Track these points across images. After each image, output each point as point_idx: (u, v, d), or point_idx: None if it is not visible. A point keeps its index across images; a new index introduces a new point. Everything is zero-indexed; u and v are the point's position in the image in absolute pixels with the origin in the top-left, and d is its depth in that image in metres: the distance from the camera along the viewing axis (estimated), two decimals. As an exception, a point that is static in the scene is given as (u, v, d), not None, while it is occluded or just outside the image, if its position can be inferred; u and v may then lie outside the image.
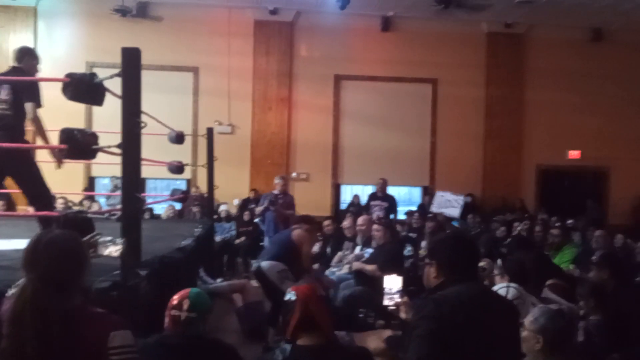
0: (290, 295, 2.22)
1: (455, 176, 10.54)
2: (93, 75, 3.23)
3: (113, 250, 2.09)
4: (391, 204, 9.15)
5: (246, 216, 8.77)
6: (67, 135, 3.09)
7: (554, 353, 2.42)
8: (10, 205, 9.03)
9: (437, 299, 1.89)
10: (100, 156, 3.21)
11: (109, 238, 2.12)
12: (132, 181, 2.89)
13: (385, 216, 8.42)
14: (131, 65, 2.95)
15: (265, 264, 4.80)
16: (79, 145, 3.06)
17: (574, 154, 10.87)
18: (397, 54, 10.62)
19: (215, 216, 8.15)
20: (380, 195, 9.19)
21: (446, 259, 2.00)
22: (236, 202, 8.97)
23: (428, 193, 10.65)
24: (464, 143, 10.70)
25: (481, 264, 4.85)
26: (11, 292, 1.82)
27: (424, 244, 6.57)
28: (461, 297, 1.88)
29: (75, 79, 3.17)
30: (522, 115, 10.81)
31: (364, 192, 11.13)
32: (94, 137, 3.27)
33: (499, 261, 4.12)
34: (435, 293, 1.95)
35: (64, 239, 1.78)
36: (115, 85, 3.12)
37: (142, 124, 2.97)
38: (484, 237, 6.39)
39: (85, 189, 9.84)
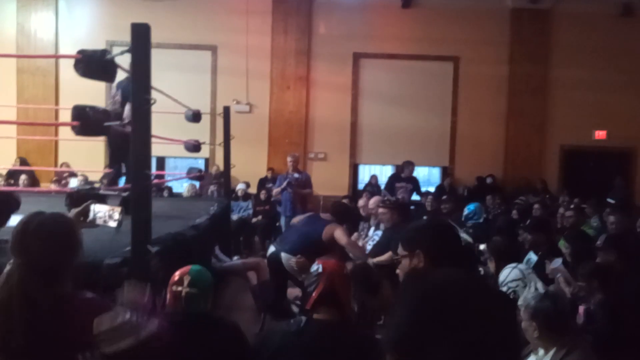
0: (317, 268, 2.20)
1: (476, 156, 10.38)
2: (104, 52, 3.22)
3: (110, 220, 2.07)
4: (415, 186, 9.08)
5: (263, 195, 8.79)
6: (79, 112, 3.09)
7: (551, 337, 2.36)
8: (34, 181, 9.20)
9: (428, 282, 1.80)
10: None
11: (107, 207, 2.09)
12: (141, 158, 2.88)
13: (409, 198, 8.38)
14: (140, 41, 2.92)
15: (285, 256, 4.71)
16: (90, 121, 3.07)
17: (600, 134, 10.56)
18: (418, 31, 10.40)
19: (232, 195, 8.18)
20: (405, 176, 9.14)
21: (433, 246, 1.85)
22: (241, 186, 8.93)
23: (448, 174, 10.53)
24: (485, 122, 10.49)
25: (481, 247, 4.78)
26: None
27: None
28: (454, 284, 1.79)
29: (86, 56, 3.16)
30: (546, 94, 10.52)
31: (382, 172, 11.06)
32: (105, 114, 3.28)
33: (483, 245, 4.04)
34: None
35: (54, 222, 1.71)
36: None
37: (152, 101, 2.94)
38: (502, 219, 6.28)
39: (106, 167, 9.95)
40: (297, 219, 5.30)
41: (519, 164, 10.38)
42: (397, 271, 1.92)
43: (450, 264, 1.76)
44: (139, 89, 2.91)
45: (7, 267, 1.68)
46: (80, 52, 3.17)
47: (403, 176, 9.19)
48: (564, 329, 2.37)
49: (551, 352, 2.31)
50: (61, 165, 9.13)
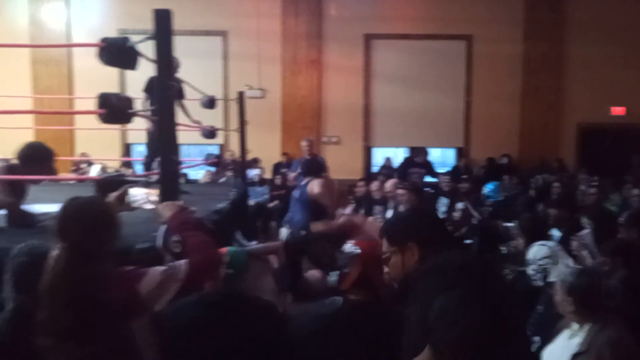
0: (353, 249, 2.20)
1: (490, 136, 10.31)
2: (126, 39, 3.23)
3: (147, 202, 2.10)
4: (429, 171, 9.03)
5: (278, 180, 8.80)
6: (104, 99, 3.11)
7: (586, 313, 2.37)
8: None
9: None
10: (135, 123, 3.25)
11: (143, 190, 2.13)
12: (168, 144, 2.89)
13: (422, 184, 8.34)
14: (163, 27, 2.92)
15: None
16: (115, 109, 3.08)
17: (617, 110, 10.42)
18: (430, 10, 10.28)
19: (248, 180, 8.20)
20: (419, 161, 9.11)
21: (424, 235, 1.78)
22: (256, 171, 8.94)
23: (463, 154, 10.47)
24: (500, 102, 10.39)
25: (508, 224, 4.77)
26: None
27: (460, 205, 6.48)
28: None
29: (109, 44, 3.18)
30: (562, 72, 10.37)
31: (396, 154, 11.03)
32: (129, 101, 3.29)
33: (515, 221, 4.05)
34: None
35: (93, 205, 1.79)
36: (145, 50, 3.11)
37: (177, 87, 2.95)
38: (522, 197, 6.26)
39: (122, 156, 10.02)
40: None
41: (535, 143, 10.29)
42: (386, 270, 1.88)
43: (442, 249, 1.67)
44: (162, 75, 2.91)
45: (53, 252, 1.73)
46: (103, 40, 3.18)
47: (417, 161, 9.17)
48: (600, 306, 2.37)
49: (585, 328, 2.32)
50: (80, 155, 9.20)
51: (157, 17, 2.93)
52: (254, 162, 9.15)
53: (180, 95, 5.47)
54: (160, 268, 1.78)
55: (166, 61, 2.93)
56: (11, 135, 8.41)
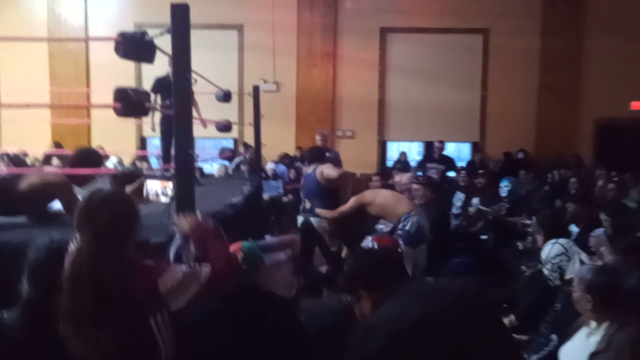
0: (373, 245, 2.20)
1: (506, 131, 10.20)
2: (144, 33, 3.25)
3: (162, 195, 2.12)
4: (448, 167, 8.95)
5: (292, 174, 8.80)
6: (121, 93, 3.13)
7: (605, 311, 2.33)
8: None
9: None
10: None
11: (159, 183, 2.14)
12: (184, 138, 2.90)
13: (441, 180, 8.29)
14: (181, 21, 2.92)
15: (314, 220, 4.88)
16: (132, 103, 3.10)
17: (638, 105, 10.25)
18: (446, 3, 10.18)
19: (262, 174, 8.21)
20: (437, 157, 9.06)
21: (374, 281, 1.74)
22: (271, 165, 8.93)
23: (479, 149, 10.39)
24: (516, 97, 10.28)
25: (528, 221, 4.73)
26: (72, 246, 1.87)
27: (475, 200, 6.44)
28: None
29: (126, 38, 3.20)
30: (580, 66, 10.21)
31: (411, 149, 10.98)
32: (146, 95, 3.33)
33: (534, 218, 4.00)
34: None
35: (114, 198, 1.83)
36: (162, 44, 3.12)
37: (193, 81, 2.96)
38: (539, 194, 6.20)
39: (138, 149, 10.09)
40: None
41: (552, 139, 10.16)
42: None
43: (391, 286, 1.64)
44: (179, 68, 2.92)
45: (73, 244, 1.76)
46: (120, 34, 3.20)
47: (435, 157, 9.12)
48: (618, 304, 2.34)
49: (603, 326, 2.29)
50: (96, 148, 9.27)
51: (175, 11, 2.94)
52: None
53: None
54: (183, 268, 1.82)
55: (183, 55, 2.94)
56: (29, 127, 8.57)
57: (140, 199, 2.13)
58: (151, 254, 2.95)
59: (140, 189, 2.11)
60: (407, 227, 4.32)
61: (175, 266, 1.83)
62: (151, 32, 3.21)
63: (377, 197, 4.74)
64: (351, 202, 4.75)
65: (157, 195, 2.10)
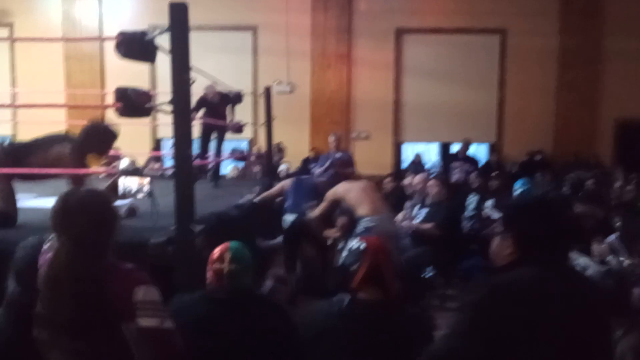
0: (359, 245, 2.14)
1: (524, 132, 10.02)
2: (144, 33, 3.24)
3: (140, 192, 2.10)
4: (474, 166, 8.86)
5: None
6: (121, 94, 3.13)
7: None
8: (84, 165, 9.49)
9: (497, 285, 1.49)
10: (166, 118, 3.29)
11: (136, 180, 2.12)
12: (183, 138, 2.89)
13: (465, 179, 8.20)
14: (179, 20, 2.91)
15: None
16: (132, 103, 3.10)
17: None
18: (462, 3, 10.03)
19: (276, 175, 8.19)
20: (461, 157, 8.98)
21: (527, 232, 1.57)
22: (284, 167, 8.92)
23: (495, 150, 10.23)
24: (534, 97, 10.09)
25: None
26: (46, 246, 1.84)
27: (489, 203, 6.32)
28: (534, 283, 1.47)
29: (127, 37, 3.19)
30: (599, 65, 9.97)
31: (429, 150, 10.86)
32: (146, 95, 3.31)
33: None
34: (500, 274, 1.56)
35: (92, 197, 1.76)
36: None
37: (192, 80, 2.94)
38: (555, 195, 6.06)
39: (152, 150, 10.16)
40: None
41: (570, 139, 9.95)
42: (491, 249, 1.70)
43: (544, 254, 1.53)
44: (177, 68, 2.91)
45: (49, 244, 1.73)
46: (121, 33, 3.20)
47: (460, 156, 9.04)
48: (625, 310, 2.25)
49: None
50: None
51: (173, 10, 2.93)
52: (279, 151, 9.13)
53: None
54: (157, 294, 1.72)
55: (181, 54, 2.92)
56: (45, 128, 8.67)
57: (115, 195, 2.09)
58: (150, 255, 2.94)
59: (115, 185, 2.08)
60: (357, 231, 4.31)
61: (154, 288, 1.72)
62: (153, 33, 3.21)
63: (348, 193, 4.65)
64: (327, 198, 4.71)
65: (132, 192, 2.07)
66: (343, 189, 4.66)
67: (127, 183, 2.07)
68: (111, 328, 1.63)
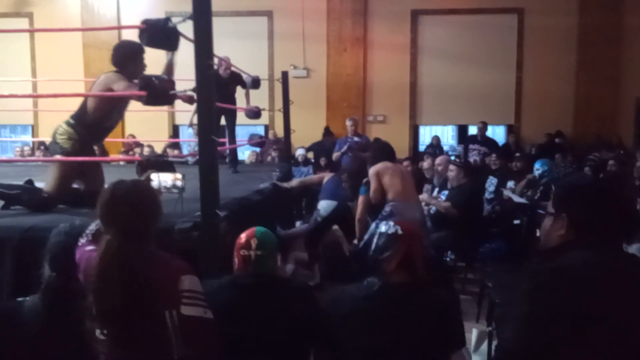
0: (396, 229, 2.16)
1: (543, 113, 9.91)
2: (167, 20, 3.27)
3: (173, 187, 2.12)
4: (491, 149, 8.81)
5: (322, 161, 8.78)
6: (146, 82, 3.17)
7: None
8: (104, 152, 9.60)
9: (556, 269, 1.42)
10: (184, 105, 3.32)
11: (170, 175, 2.15)
12: (207, 124, 2.91)
13: (482, 161, 8.17)
14: (202, 7, 2.92)
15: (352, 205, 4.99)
16: (157, 91, 3.13)
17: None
18: (479, -17, 9.91)
19: (292, 160, 8.23)
20: (479, 138, 8.92)
21: (582, 214, 1.50)
22: (301, 151, 8.92)
23: (514, 132, 10.14)
24: (553, 77, 9.95)
25: None
26: (82, 240, 1.89)
27: (511, 184, 6.29)
28: (590, 267, 1.42)
29: (150, 25, 3.23)
30: (620, 44, 9.79)
31: (444, 133, 10.79)
32: (170, 83, 3.34)
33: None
34: (553, 256, 1.49)
35: (138, 188, 1.80)
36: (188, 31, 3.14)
37: (215, 67, 2.96)
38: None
39: (170, 137, 10.24)
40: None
41: (591, 120, 9.82)
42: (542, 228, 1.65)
43: (599, 237, 1.48)
44: (201, 55, 2.92)
45: (85, 238, 1.77)
46: (144, 21, 3.23)
47: (478, 139, 8.98)
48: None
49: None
50: (128, 137, 9.46)
51: (196, -3, 2.94)
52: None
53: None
54: (199, 284, 1.77)
55: (205, 41, 2.94)
56: (65, 117, 8.78)
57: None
58: (175, 241, 2.99)
59: (147, 180, 2.10)
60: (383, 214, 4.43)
61: (197, 279, 1.76)
62: (175, 20, 3.24)
63: (384, 175, 4.67)
64: (371, 176, 4.71)
65: (167, 186, 2.10)
66: (382, 168, 4.66)
67: (162, 178, 2.10)
68: (156, 316, 1.66)
